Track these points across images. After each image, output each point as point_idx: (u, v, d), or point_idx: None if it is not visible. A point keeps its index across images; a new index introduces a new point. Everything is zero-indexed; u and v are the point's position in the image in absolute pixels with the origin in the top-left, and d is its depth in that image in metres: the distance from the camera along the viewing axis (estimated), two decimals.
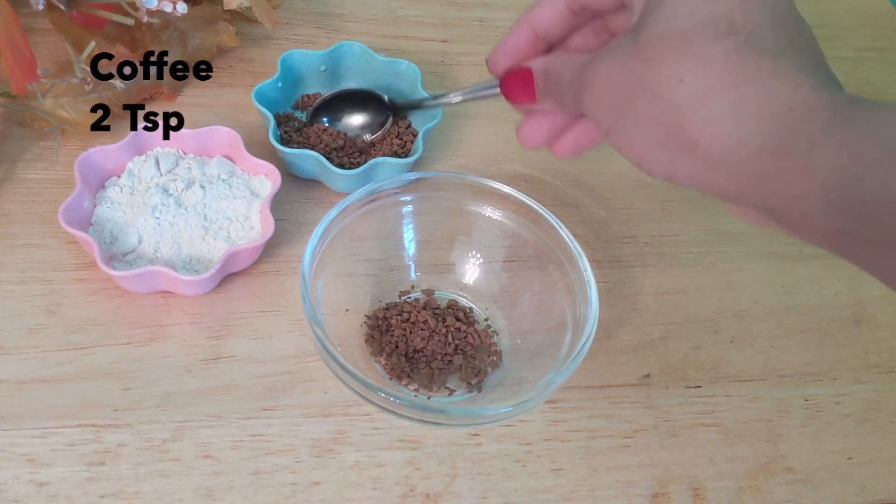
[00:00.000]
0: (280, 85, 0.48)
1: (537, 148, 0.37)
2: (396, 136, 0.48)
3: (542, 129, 0.37)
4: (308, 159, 0.43)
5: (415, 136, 0.48)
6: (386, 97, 0.47)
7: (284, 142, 0.46)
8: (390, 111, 0.47)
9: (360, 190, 0.39)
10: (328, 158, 0.45)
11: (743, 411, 0.42)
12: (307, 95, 0.50)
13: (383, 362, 0.40)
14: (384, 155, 0.46)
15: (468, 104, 0.42)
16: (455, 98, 0.41)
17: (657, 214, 0.50)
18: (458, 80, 0.55)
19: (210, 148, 0.45)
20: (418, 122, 0.49)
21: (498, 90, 0.38)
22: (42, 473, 0.34)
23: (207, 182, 0.42)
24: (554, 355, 0.38)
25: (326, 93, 0.50)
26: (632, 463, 0.39)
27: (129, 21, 0.45)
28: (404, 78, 0.50)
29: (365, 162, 0.45)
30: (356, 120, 0.48)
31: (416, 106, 0.45)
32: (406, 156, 0.46)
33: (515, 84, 0.36)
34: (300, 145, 0.46)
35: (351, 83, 0.51)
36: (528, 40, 0.37)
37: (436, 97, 0.42)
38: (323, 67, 0.50)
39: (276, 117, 0.47)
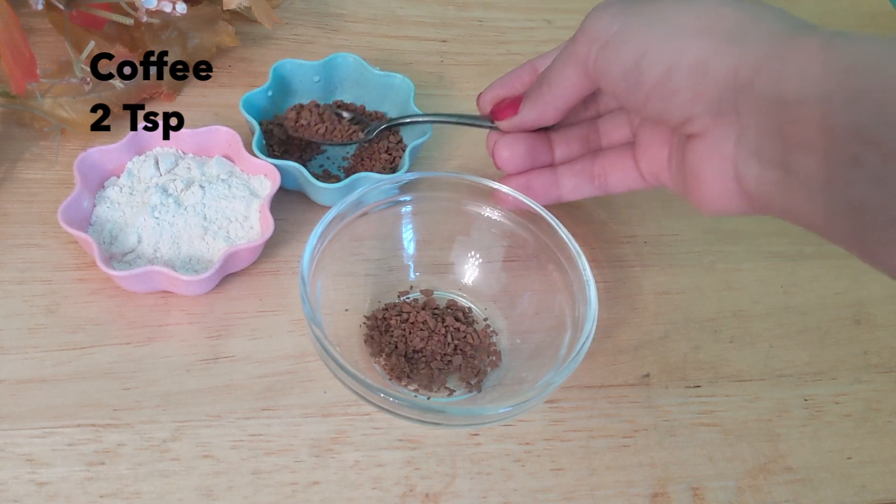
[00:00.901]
0: (270, 94, 0.47)
1: (516, 163, 0.40)
2: (385, 151, 0.47)
3: (516, 144, 0.40)
4: (290, 170, 0.43)
5: (404, 150, 0.47)
6: (366, 120, 0.47)
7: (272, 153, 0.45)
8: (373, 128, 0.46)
9: (359, 190, 0.39)
10: (323, 138, 0.44)
11: (742, 411, 0.42)
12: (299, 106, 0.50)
13: (383, 363, 0.40)
14: (372, 169, 0.46)
15: (473, 103, 0.43)
16: (438, 119, 0.43)
17: (657, 214, 0.50)
18: (457, 80, 0.55)
19: (209, 148, 0.45)
20: (409, 137, 0.48)
21: (480, 121, 0.41)
22: (42, 473, 0.34)
23: (207, 182, 0.42)
24: (553, 355, 0.38)
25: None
26: (631, 463, 0.39)
27: (129, 21, 0.45)
28: (398, 92, 0.49)
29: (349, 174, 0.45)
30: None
31: (398, 123, 0.46)
32: (394, 171, 0.46)
33: (504, 106, 0.39)
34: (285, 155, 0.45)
35: (345, 95, 0.50)
36: (530, 78, 0.39)
37: (417, 116, 0.44)
38: (317, 78, 0.49)
39: (265, 125, 0.47)
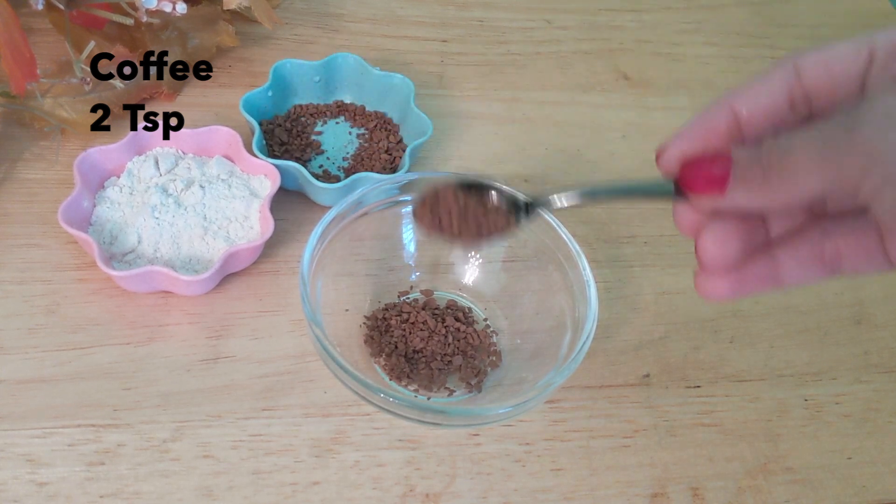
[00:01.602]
0: (270, 94, 0.48)
1: (728, 259, 0.30)
2: (385, 151, 0.47)
3: (728, 245, 0.29)
4: (290, 170, 0.43)
5: (404, 150, 0.47)
6: (522, 197, 0.31)
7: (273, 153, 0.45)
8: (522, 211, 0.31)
9: (359, 190, 0.39)
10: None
11: (742, 411, 0.42)
12: (300, 106, 0.49)
13: (383, 363, 0.40)
14: (372, 169, 0.46)
15: (473, 103, 0.42)
16: (601, 191, 0.30)
17: (657, 214, 0.50)
18: (457, 80, 0.55)
19: (210, 148, 0.45)
20: (409, 137, 0.48)
21: (661, 189, 0.29)
22: (42, 473, 0.34)
23: (207, 182, 0.42)
24: (553, 355, 0.38)
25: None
26: (631, 463, 0.39)
27: (129, 21, 0.45)
28: (398, 92, 0.49)
29: None
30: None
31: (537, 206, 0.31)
32: (394, 171, 0.46)
33: (702, 172, 0.27)
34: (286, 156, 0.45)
35: (345, 95, 0.51)
36: (728, 125, 0.28)
37: (551, 194, 0.30)
38: (317, 78, 0.49)
39: (265, 125, 0.47)
